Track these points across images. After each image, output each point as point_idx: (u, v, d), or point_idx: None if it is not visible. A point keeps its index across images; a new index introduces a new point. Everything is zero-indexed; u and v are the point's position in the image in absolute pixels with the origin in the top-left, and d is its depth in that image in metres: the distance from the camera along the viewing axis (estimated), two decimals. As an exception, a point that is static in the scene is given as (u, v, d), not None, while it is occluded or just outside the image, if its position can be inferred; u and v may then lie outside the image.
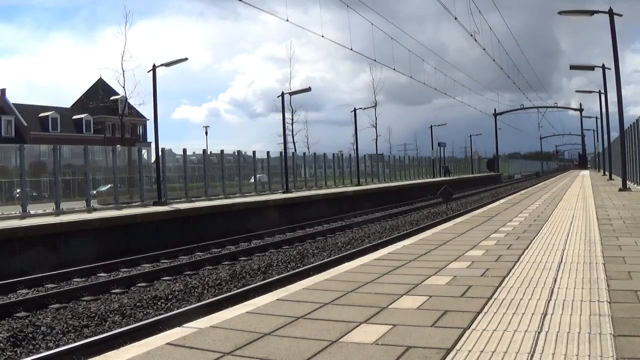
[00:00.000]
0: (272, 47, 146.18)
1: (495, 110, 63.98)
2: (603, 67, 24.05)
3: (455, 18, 24.39)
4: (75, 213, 16.08)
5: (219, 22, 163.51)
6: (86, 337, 6.53)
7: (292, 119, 37.56)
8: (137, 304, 8.18)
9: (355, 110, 36.79)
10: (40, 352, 5.99)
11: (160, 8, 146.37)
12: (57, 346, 6.28)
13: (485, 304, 3.63)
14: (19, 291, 9.48)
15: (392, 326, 3.19)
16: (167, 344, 3.00)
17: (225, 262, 11.77)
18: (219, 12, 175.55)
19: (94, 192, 20.54)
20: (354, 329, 3.18)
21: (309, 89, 30.59)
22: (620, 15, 17.90)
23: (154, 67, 20.39)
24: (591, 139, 62.33)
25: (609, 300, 3.58)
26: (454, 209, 23.45)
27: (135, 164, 21.43)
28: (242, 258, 12.25)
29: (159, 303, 8.31)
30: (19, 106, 54.02)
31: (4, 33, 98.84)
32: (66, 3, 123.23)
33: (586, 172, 48.01)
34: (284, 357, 2.75)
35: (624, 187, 17.64)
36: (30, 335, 6.68)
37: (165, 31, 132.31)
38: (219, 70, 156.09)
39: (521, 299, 3.71)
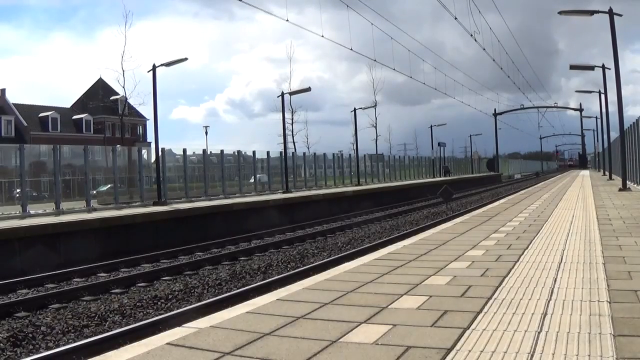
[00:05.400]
0: (269, 47, 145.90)
1: (495, 110, 64.07)
2: (603, 67, 24.05)
3: (455, 18, 24.41)
4: (75, 213, 16.08)
5: (214, 23, 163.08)
6: (86, 337, 6.53)
7: (292, 119, 37.65)
8: (137, 304, 8.18)
9: (355, 110, 36.79)
10: (40, 352, 5.98)
11: (155, 9, 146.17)
12: (57, 346, 6.28)
13: (485, 304, 3.63)
14: (19, 291, 9.48)
15: (392, 326, 3.19)
16: (167, 343, 3.00)
17: (225, 262, 11.77)
18: (213, 13, 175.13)
19: (94, 192, 20.57)
20: (354, 329, 3.18)
21: (309, 89, 30.55)
22: (620, 15, 17.91)
23: (154, 67, 20.38)
24: (591, 139, 62.47)
25: (609, 300, 3.58)
26: (454, 209, 23.43)
27: (135, 164, 21.45)
28: (242, 258, 12.25)
29: (159, 303, 8.31)
30: (19, 106, 54.00)
31: (3, 33, 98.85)
32: (64, 4, 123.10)
33: (586, 172, 48.01)
34: (284, 357, 2.75)
35: (624, 187, 17.64)
36: (30, 335, 6.68)
37: (162, 32, 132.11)
38: (216, 71, 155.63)
39: (521, 299, 3.71)
